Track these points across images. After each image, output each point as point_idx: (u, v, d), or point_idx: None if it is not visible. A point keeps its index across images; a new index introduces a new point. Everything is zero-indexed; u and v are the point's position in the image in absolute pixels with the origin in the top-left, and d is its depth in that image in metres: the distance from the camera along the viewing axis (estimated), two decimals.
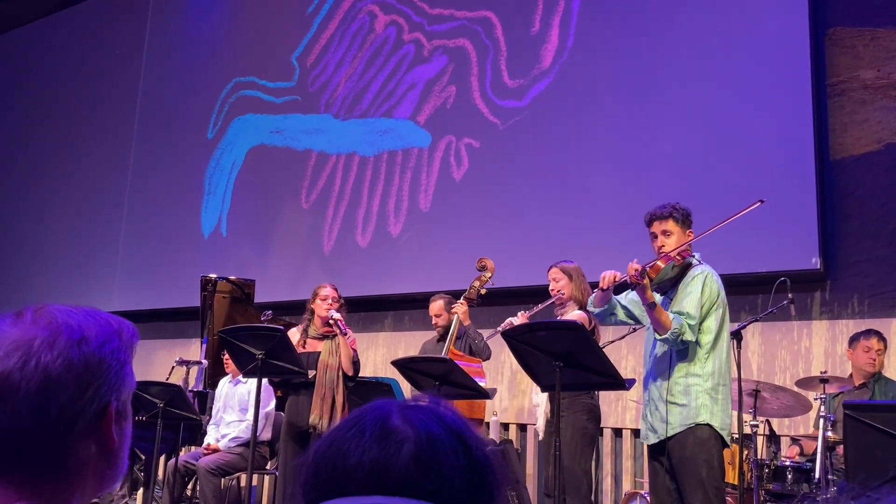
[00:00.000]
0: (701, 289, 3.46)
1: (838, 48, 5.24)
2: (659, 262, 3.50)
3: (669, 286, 3.58)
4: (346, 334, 4.78)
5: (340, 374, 4.77)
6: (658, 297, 3.54)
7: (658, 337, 3.49)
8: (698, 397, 3.43)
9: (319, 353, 4.80)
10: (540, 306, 4.52)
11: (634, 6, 5.97)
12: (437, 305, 5.06)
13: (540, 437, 4.37)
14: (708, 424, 3.41)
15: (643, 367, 3.81)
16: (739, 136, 5.34)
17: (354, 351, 4.88)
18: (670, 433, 3.46)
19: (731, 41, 5.48)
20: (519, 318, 4.36)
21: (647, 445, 3.69)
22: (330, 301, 4.87)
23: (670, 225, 3.60)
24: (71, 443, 0.95)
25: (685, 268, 3.58)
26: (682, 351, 3.50)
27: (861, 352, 4.42)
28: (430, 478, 0.78)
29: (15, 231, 10.39)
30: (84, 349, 0.96)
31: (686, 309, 3.44)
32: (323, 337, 4.88)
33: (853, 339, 4.52)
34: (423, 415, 0.83)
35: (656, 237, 3.63)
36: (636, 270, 3.38)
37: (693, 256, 3.62)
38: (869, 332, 4.47)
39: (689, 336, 3.41)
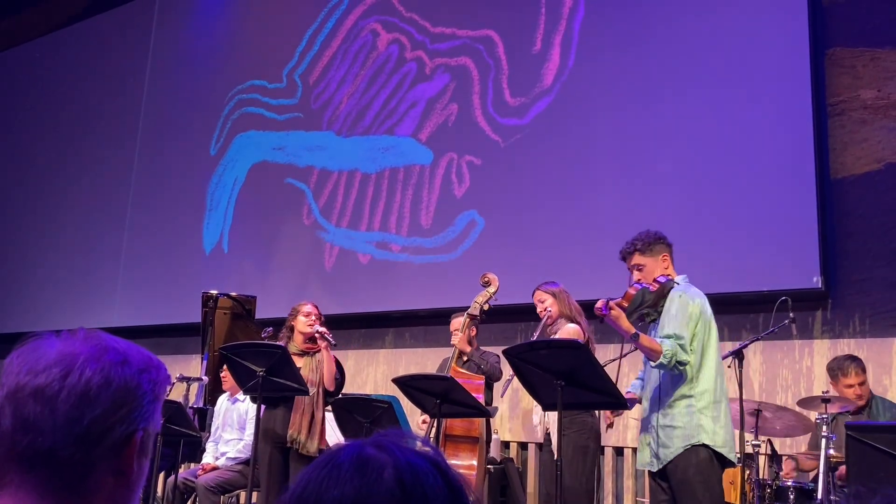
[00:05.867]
0: (678, 309, 3.48)
1: (838, 68, 5.27)
2: (630, 290, 3.56)
3: (656, 315, 3.59)
4: (335, 345, 4.78)
5: (321, 390, 4.75)
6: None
7: (653, 364, 3.48)
8: (693, 417, 3.42)
9: (300, 368, 4.78)
10: (535, 333, 4.44)
11: (635, 26, 6.00)
12: (457, 321, 5.01)
13: (554, 447, 4.32)
14: (705, 445, 3.40)
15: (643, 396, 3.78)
16: (740, 154, 5.36)
17: (338, 367, 4.87)
18: (670, 457, 3.45)
19: (732, 61, 5.50)
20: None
21: (649, 472, 3.64)
22: (313, 317, 4.88)
23: (637, 259, 3.68)
24: (94, 459, 0.98)
25: (665, 292, 3.58)
26: (670, 375, 3.49)
27: (844, 388, 4.27)
28: (416, 499, 0.79)
29: (17, 246, 10.39)
30: (125, 371, 1.01)
31: (672, 331, 3.44)
32: (303, 353, 4.86)
33: (833, 376, 4.37)
34: (397, 443, 0.84)
35: (632, 272, 3.72)
36: (602, 303, 3.43)
37: (673, 280, 3.61)
38: (845, 366, 4.31)
39: (682, 356, 3.41)
